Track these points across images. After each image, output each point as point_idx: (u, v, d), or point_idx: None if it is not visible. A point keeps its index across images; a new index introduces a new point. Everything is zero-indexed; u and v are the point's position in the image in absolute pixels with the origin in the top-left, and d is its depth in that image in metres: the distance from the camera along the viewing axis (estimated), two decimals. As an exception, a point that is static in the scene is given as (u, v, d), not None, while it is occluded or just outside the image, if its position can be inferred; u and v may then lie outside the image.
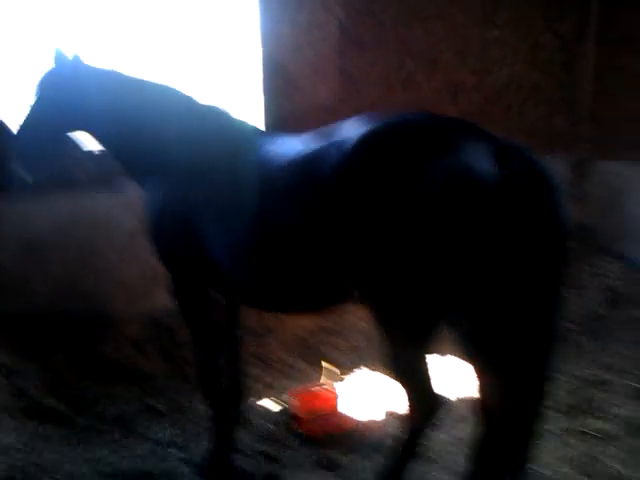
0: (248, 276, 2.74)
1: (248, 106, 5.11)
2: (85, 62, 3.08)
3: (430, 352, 2.36)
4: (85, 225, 4.64)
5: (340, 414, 3.61)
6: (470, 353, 2.55)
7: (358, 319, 4.72)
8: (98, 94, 3.00)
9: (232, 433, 3.30)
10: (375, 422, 3.65)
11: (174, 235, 2.90)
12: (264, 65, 5.07)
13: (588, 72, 6.08)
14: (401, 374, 2.38)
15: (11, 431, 3.42)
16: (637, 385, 3.63)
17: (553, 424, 3.36)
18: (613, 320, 4.67)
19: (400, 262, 2.14)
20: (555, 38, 5.98)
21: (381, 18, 5.33)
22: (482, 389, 2.55)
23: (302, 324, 4.81)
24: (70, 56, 3.03)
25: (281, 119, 5.08)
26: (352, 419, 3.67)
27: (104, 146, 3.24)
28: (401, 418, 2.55)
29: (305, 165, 2.42)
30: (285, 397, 3.95)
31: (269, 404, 3.93)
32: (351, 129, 2.34)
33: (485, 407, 2.55)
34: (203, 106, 3.07)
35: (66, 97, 3.01)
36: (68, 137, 3.29)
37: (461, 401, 3.63)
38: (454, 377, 3.70)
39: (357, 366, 4.41)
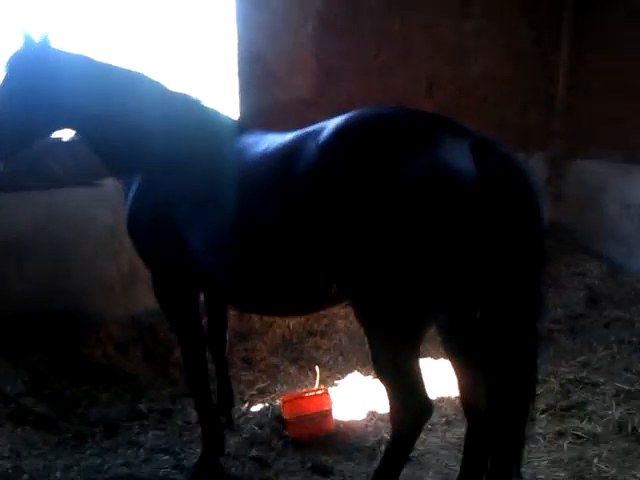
0: (227, 274, 2.70)
1: (222, 94, 5.03)
2: (54, 45, 3.00)
3: (420, 355, 2.32)
4: (63, 222, 4.54)
5: (327, 416, 3.60)
6: (451, 351, 2.58)
7: (349, 322, 4.73)
8: (68, 78, 2.93)
9: (222, 438, 3.28)
10: (367, 425, 3.64)
11: (153, 230, 2.86)
12: (239, 53, 5.00)
13: (563, 65, 6.15)
14: (386, 375, 2.34)
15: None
16: (625, 387, 3.68)
17: (545, 427, 3.40)
18: (593, 319, 4.73)
19: (377, 259, 2.13)
20: (530, 30, 6.02)
21: (358, 7, 5.32)
22: (463, 389, 2.58)
23: (291, 327, 4.79)
24: (38, 38, 2.94)
25: (256, 107, 5.02)
26: (340, 421, 3.66)
27: (80, 137, 3.18)
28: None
29: (280, 156, 2.40)
30: (275, 401, 3.93)
31: (259, 408, 3.90)
32: (329, 122, 2.32)
33: (469, 408, 2.58)
34: (177, 93, 3.03)
35: (34, 80, 2.92)
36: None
37: (453, 404, 3.63)
38: (446, 379, 3.72)
39: (348, 369, 4.39)
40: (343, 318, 4.81)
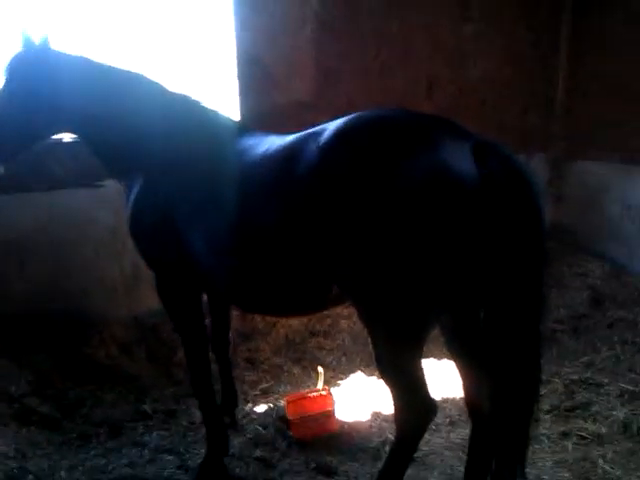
0: (229, 275, 2.70)
1: (222, 97, 5.05)
2: (54, 47, 3.01)
3: (423, 356, 2.32)
4: (64, 223, 4.56)
5: (331, 416, 3.61)
6: (454, 352, 2.58)
7: (352, 322, 4.73)
8: (68, 80, 2.93)
9: (227, 438, 3.28)
10: (371, 426, 3.64)
11: (155, 231, 2.86)
12: (238, 56, 5.02)
13: (562, 68, 6.15)
14: (390, 375, 2.34)
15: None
16: (630, 387, 3.67)
17: (549, 427, 3.40)
18: (596, 320, 4.72)
19: (379, 260, 2.12)
20: (529, 33, 6.01)
21: (357, 8, 5.33)
22: (467, 389, 2.58)
23: (294, 327, 4.79)
24: (38, 41, 2.95)
25: (256, 110, 5.04)
26: (344, 421, 3.66)
27: (81, 139, 3.18)
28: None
29: (281, 158, 2.40)
30: (279, 401, 3.93)
31: (263, 409, 3.90)
32: (330, 124, 2.32)
33: (473, 408, 2.58)
34: (177, 94, 3.03)
35: (34, 82, 2.93)
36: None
37: (457, 404, 3.63)
38: (450, 380, 3.72)
39: (351, 369, 4.39)
40: (346, 318, 4.81)
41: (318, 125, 2.40)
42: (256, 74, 5.05)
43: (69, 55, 3.02)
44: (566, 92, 6.17)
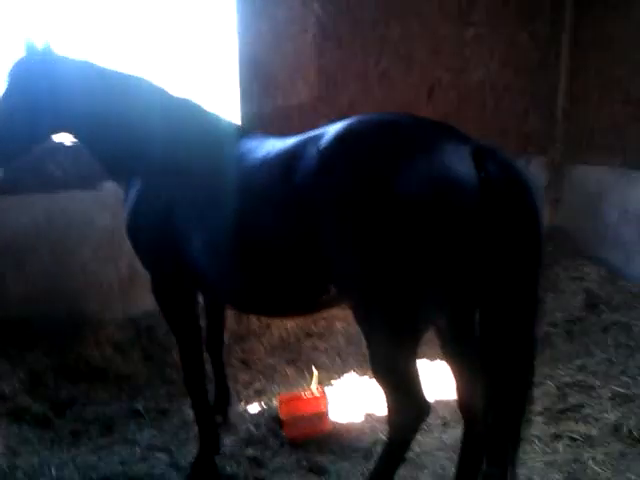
0: (226, 277, 2.71)
1: (224, 101, 5.08)
2: (57, 52, 3.03)
3: (417, 357, 2.33)
4: (62, 225, 4.58)
5: (324, 416, 3.60)
6: (448, 353, 2.58)
7: (346, 324, 4.73)
8: (70, 85, 2.95)
9: (218, 437, 3.29)
10: (364, 426, 3.64)
11: (152, 234, 2.87)
12: (240, 61, 5.04)
13: (562, 73, 6.16)
14: (383, 376, 2.34)
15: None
16: (622, 390, 3.67)
17: (540, 429, 3.39)
18: (591, 323, 4.72)
19: (376, 263, 2.13)
20: (530, 38, 6.02)
21: (358, 14, 5.34)
22: (460, 391, 2.58)
23: (289, 328, 4.79)
24: (41, 46, 2.98)
25: (257, 114, 5.07)
26: (336, 422, 3.66)
27: (80, 142, 3.20)
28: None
29: (281, 161, 2.41)
30: (272, 401, 3.93)
31: (256, 409, 3.90)
32: (330, 126, 2.33)
33: (465, 410, 2.59)
34: (178, 98, 3.05)
35: (37, 87, 2.94)
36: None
37: (450, 405, 3.63)
38: (443, 381, 3.72)
39: (345, 370, 4.39)
40: (341, 320, 4.81)
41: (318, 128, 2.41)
42: (258, 79, 5.08)
43: (72, 59, 3.05)
44: (566, 96, 6.18)
